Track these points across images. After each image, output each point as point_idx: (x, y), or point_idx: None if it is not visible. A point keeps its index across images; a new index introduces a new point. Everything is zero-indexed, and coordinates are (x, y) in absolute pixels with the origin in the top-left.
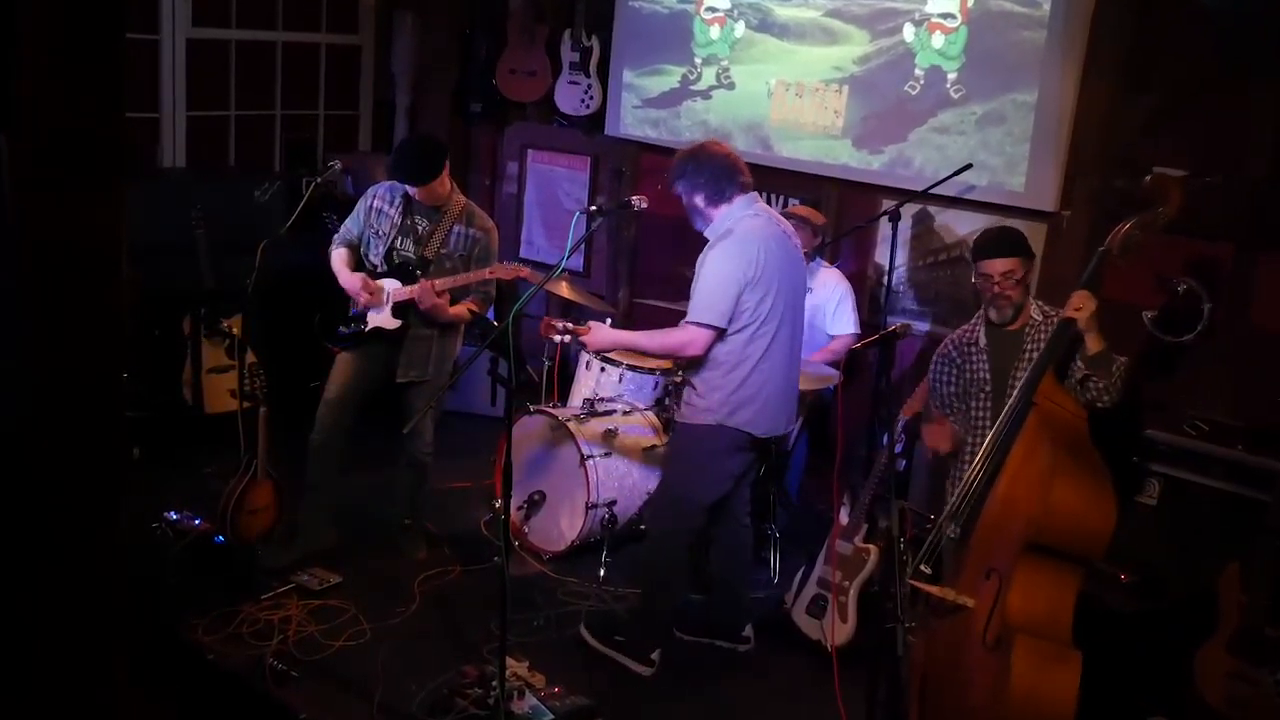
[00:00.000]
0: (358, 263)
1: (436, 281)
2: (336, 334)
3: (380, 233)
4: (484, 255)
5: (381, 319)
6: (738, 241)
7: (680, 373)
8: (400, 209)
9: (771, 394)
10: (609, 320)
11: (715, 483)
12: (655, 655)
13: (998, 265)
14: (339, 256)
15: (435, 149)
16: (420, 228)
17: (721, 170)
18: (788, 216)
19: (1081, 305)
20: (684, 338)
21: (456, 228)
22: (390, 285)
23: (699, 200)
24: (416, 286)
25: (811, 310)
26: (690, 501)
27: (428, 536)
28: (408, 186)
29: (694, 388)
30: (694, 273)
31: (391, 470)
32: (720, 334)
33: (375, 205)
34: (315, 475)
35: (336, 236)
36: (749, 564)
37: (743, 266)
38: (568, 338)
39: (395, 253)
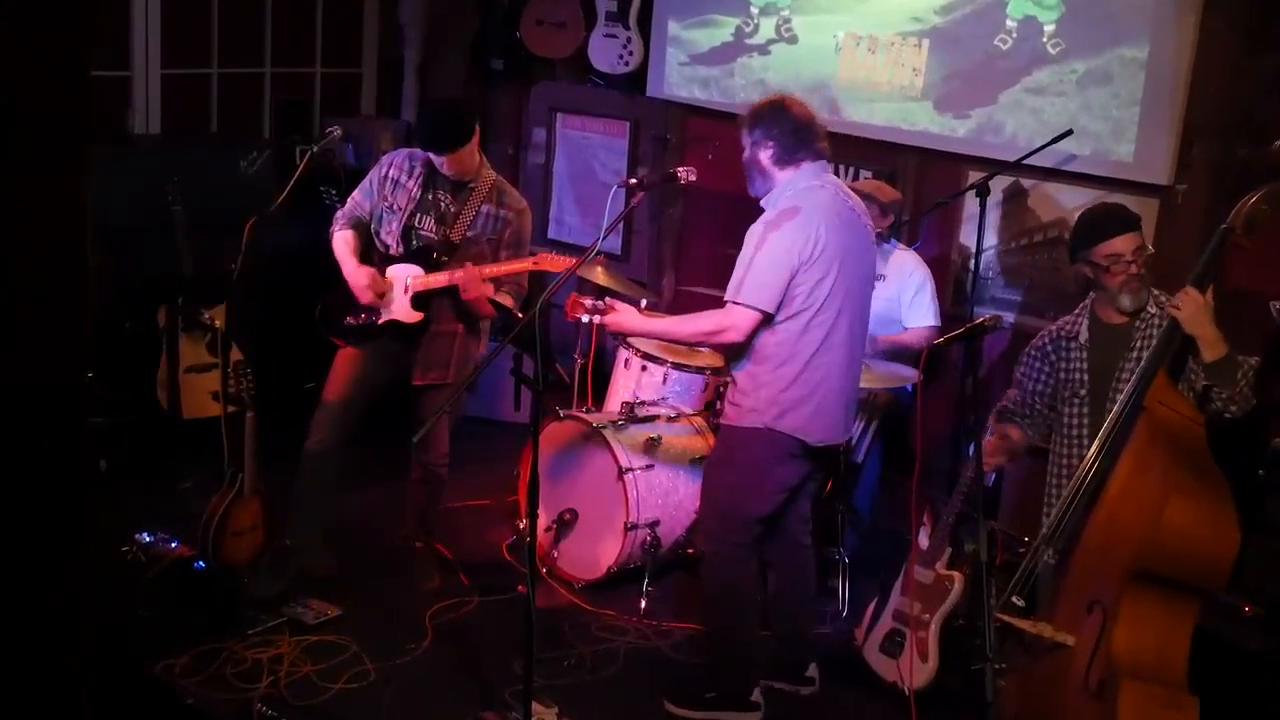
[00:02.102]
0: (366, 247)
1: (486, 268)
2: (341, 326)
3: (396, 207)
4: (516, 241)
5: (399, 310)
6: (794, 214)
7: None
8: (420, 181)
9: (828, 395)
10: (644, 303)
11: (765, 495)
12: (757, 695)
13: (1126, 242)
14: (344, 240)
15: (466, 112)
16: (443, 204)
17: (802, 128)
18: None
19: (1182, 303)
20: (723, 320)
21: (485, 207)
22: (406, 272)
23: (766, 157)
24: (460, 272)
25: (885, 300)
26: (739, 514)
27: (441, 562)
28: (433, 156)
29: (736, 384)
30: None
31: (400, 485)
32: (766, 320)
33: (390, 175)
34: (310, 491)
35: (341, 213)
36: (811, 593)
37: (800, 242)
38: (597, 317)
39: (414, 233)
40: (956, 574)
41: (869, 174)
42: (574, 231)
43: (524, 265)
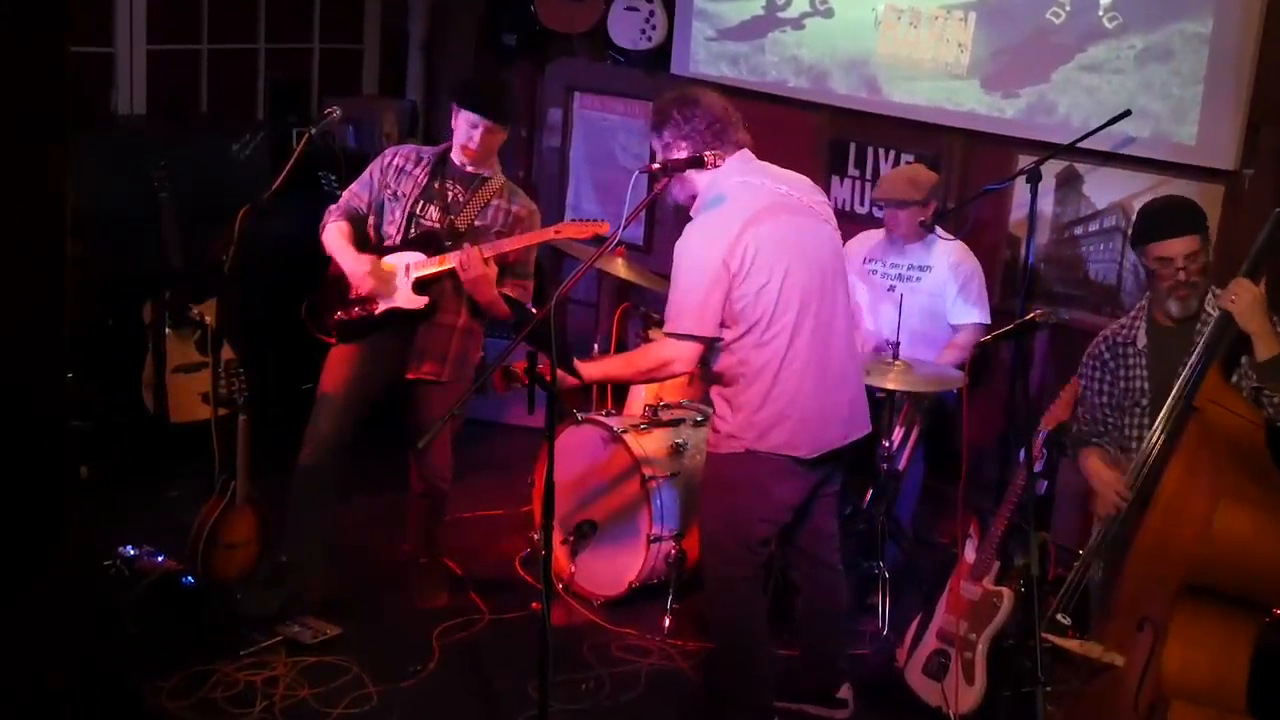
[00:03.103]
0: (360, 242)
1: (483, 246)
2: (331, 321)
3: (400, 194)
4: (535, 229)
5: (401, 297)
6: (716, 220)
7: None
8: (428, 170)
9: (807, 406)
10: (596, 348)
11: (763, 517)
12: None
13: (1177, 246)
14: (339, 231)
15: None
16: (451, 194)
17: (717, 120)
18: (878, 203)
19: (1236, 295)
20: (663, 354)
21: (496, 201)
22: (406, 258)
23: (682, 157)
24: (460, 252)
25: (930, 295)
26: (737, 543)
27: (449, 577)
28: (466, 125)
29: (715, 410)
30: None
31: (402, 493)
32: (709, 344)
33: (396, 163)
34: (306, 508)
35: (335, 207)
36: (842, 613)
37: (724, 253)
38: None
39: (415, 220)
40: (1005, 590)
41: (910, 158)
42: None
43: (543, 236)
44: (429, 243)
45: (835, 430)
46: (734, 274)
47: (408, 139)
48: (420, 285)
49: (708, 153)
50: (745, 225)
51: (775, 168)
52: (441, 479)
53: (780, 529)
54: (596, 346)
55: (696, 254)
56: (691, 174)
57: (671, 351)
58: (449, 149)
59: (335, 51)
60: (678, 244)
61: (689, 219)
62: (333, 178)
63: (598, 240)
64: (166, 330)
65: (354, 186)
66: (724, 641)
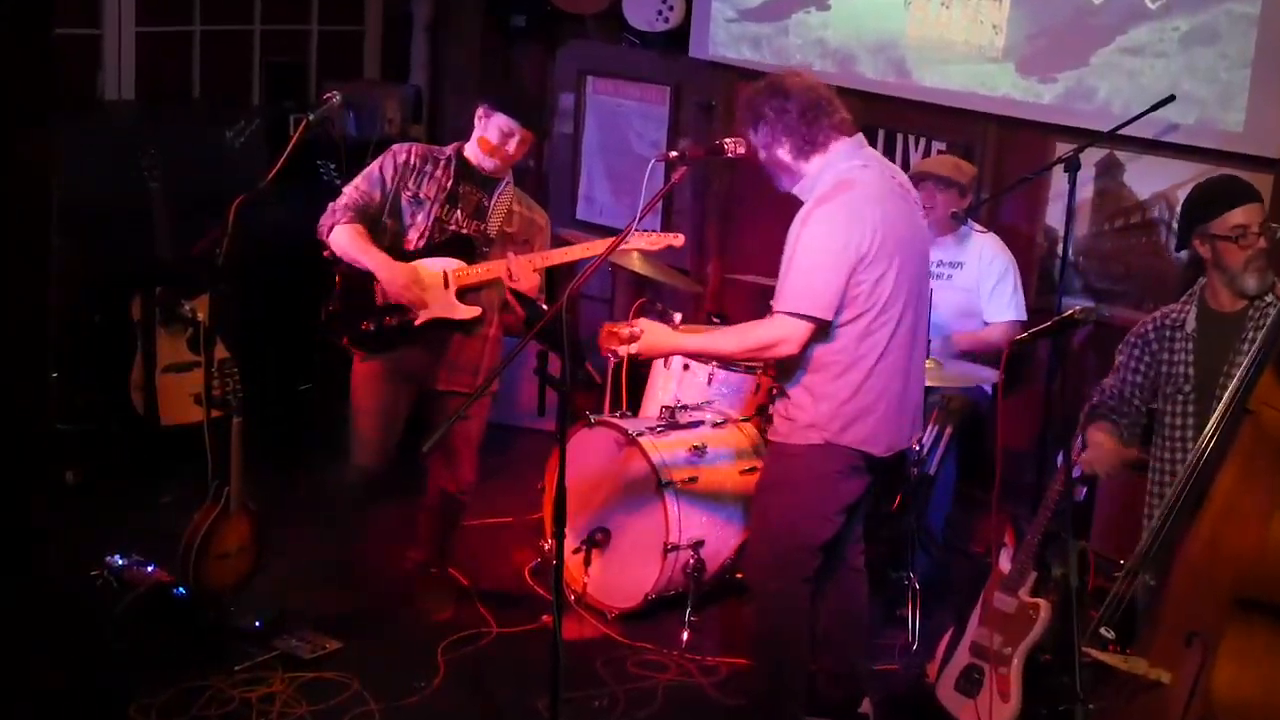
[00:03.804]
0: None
1: (534, 256)
2: (360, 331)
3: (422, 196)
4: (544, 246)
5: (442, 307)
6: (847, 203)
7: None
8: (450, 173)
9: (893, 401)
10: (678, 318)
11: (827, 517)
12: None
13: (1251, 213)
14: (357, 234)
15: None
16: (474, 198)
17: (811, 107)
18: (921, 177)
19: None
20: (773, 333)
21: (516, 208)
22: (442, 265)
23: (784, 152)
24: (505, 261)
25: (963, 291)
26: (798, 545)
27: (456, 589)
28: (507, 138)
29: (789, 397)
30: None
31: (408, 502)
32: (823, 327)
33: (413, 163)
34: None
35: (340, 205)
36: (863, 619)
37: (857, 235)
38: (635, 348)
39: (441, 224)
40: (1042, 602)
41: (942, 147)
42: (606, 211)
43: (611, 246)
44: (465, 249)
45: (906, 430)
46: (860, 257)
47: (411, 126)
48: (461, 294)
49: (728, 141)
50: (872, 211)
51: (878, 154)
52: (466, 488)
53: (836, 532)
54: (679, 316)
55: (825, 235)
56: (800, 164)
57: (783, 331)
58: (462, 148)
59: (335, 33)
60: (800, 225)
61: (707, 206)
62: (332, 167)
63: (605, 235)
64: (157, 328)
65: (360, 184)
66: (764, 648)
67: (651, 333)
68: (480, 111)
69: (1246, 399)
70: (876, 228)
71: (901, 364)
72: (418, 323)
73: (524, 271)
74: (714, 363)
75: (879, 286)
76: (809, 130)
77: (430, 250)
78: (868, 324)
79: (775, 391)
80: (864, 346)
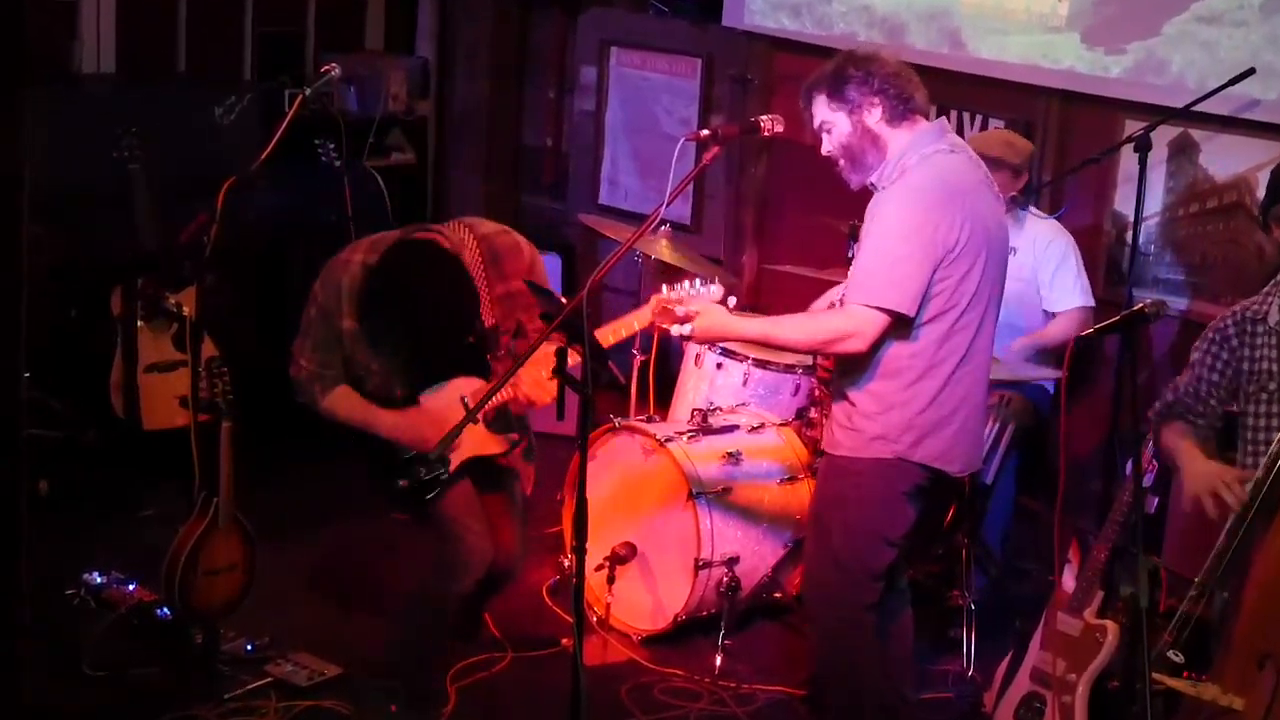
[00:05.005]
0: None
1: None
2: (403, 492)
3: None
4: (535, 261)
5: (474, 444)
6: (936, 188)
7: (825, 371)
8: None
9: (971, 413)
10: (732, 301)
11: (893, 540)
12: None
13: None
14: (347, 396)
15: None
16: None
17: (903, 75)
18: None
19: None
20: (845, 325)
21: (484, 273)
22: (457, 392)
23: (875, 117)
24: (520, 385)
25: (1018, 280)
26: (863, 567)
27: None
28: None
29: (854, 404)
30: (860, 230)
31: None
32: (902, 323)
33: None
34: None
35: (309, 379)
36: (911, 646)
37: (945, 225)
38: (687, 329)
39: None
40: (1110, 624)
41: (1000, 124)
42: (631, 196)
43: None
44: (471, 359)
45: (980, 447)
46: (947, 250)
47: (418, 102)
48: (496, 419)
49: (764, 119)
50: (961, 199)
51: (967, 143)
52: (515, 561)
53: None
54: (734, 299)
55: (910, 222)
56: (889, 133)
57: (856, 323)
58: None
59: (334, 0)
60: (879, 210)
61: (742, 190)
62: (331, 147)
63: (631, 221)
64: (139, 323)
65: (319, 355)
66: (837, 682)
67: (707, 315)
68: None
69: None
70: (966, 218)
71: (981, 372)
72: (451, 470)
73: (541, 390)
74: (753, 354)
75: (964, 284)
76: (901, 92)
77: (445, 371)
78: (949, 325)
79: (820, 395)
80: (943, 350)
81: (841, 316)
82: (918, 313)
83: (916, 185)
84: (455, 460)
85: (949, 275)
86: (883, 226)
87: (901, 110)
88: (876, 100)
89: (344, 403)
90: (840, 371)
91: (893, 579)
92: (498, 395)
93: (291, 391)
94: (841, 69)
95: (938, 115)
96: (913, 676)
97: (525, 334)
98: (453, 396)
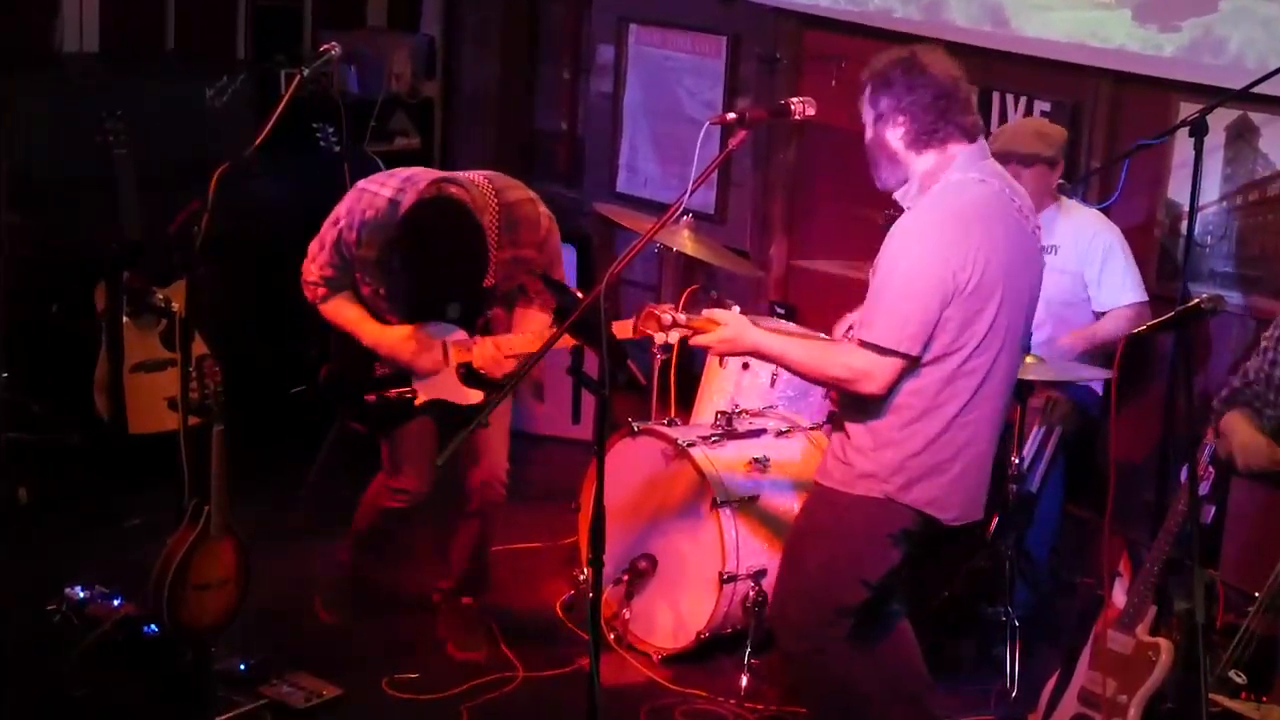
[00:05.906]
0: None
1: (499, 341)
2: (363, 406)
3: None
4: (554, 258)
5: (443, 387)
6: (954, 220)
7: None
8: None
9: (973, 461)
10: (736, 309)
11: (865, 579)
12: None
13: None
14: (346, 305)
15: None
16: None
17: (945, 95)
18: (1002, 158)
19: None
20: (856, 365)
21: (503, 254)
22: (442, 333)
23: (897, 137)
24: (481, 348)
25: (1061, 275)
26: (832, 604)
27: (489, 625)
28: None
29: (849, 437)
30: (878, 257)
31: (425, 519)
32: (913, 364)
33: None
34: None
35: (316, 282)
36: (920, 671)
37: (956, 263)
38: (676, 337)
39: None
40: (1163, 641)
41: (1045, 107)
42: (652, 183)
43: (524, 344)
44: (462, 316)
45: (982, 497)
46: (957, 289)
47: (423, 83)
48: (468, 373)
49: (794, 101)
50: (981, 234)
51: (1004, 172)
52: (501, 476)
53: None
54: (737, 308)
55: (922, 255)
56: (908, 155)
57: (869, 364)
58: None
59: None
60: (893, 238)
61: (770, 178)
62: (330, 131)
63: (652, 212)
64: (124, 319)
65: (324, 262)
66: (826, 711)
67: (733, 328)
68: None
69: None
70: (981, 254)
71: (989, 418)
72: (417, 403)
73: (492, 363)
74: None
75: (974, 325)
76: (934, 120)
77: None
78: (954, 367)
79: (829, 421)
80: (946, 393)
81: (856, 355)
82: (923, 350)
83: (934, 219)
84: (423, 395)
85: (956, 315)
86: (893, 260)
87: (926, 140)
88: (902, 120)
89: (341, 309)
90: (843, 402)
91: (870, 614)
92: (473, 356)
93: (290, 392)
94: (887, 73)
95: (980, 98)
96: (932, 696)
97: (528, 295)
98: (437, 334)
